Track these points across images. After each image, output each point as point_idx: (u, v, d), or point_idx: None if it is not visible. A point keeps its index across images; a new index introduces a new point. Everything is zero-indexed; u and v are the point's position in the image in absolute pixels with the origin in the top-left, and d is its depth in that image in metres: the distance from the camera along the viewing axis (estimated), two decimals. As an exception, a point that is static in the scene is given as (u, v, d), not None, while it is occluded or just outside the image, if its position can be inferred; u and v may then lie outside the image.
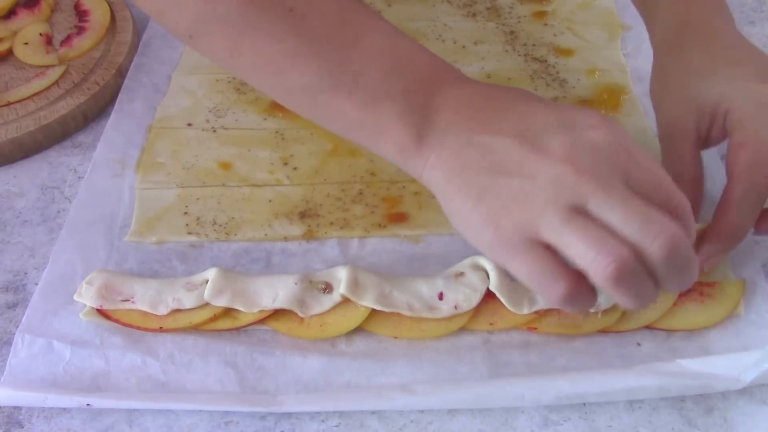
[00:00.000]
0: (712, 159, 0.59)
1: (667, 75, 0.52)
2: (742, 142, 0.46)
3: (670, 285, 0.39)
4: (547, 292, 0.39)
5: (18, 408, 0.45)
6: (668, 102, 0.51)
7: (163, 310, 0.47)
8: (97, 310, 0.48)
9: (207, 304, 0.48)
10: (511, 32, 0.71)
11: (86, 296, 0.48)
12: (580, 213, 0.38)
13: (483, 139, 0.41)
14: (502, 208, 0.39)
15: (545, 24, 0.72)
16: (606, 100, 0.64)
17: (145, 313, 0.48)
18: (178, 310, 0.48)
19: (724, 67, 0.49)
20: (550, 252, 0.38)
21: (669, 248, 0.37)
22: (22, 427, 0.44)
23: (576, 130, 0.40)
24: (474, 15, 0.73)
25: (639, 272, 0.37)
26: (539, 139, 0.40)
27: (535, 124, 0.40)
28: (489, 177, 0.40)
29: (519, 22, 0.72)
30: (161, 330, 0.47)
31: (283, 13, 0.42)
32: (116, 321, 0.47)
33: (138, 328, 0.47)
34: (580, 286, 0.38)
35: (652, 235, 0.37)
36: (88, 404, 0.44)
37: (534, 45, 0.70)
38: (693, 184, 0.49)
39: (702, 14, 0.53)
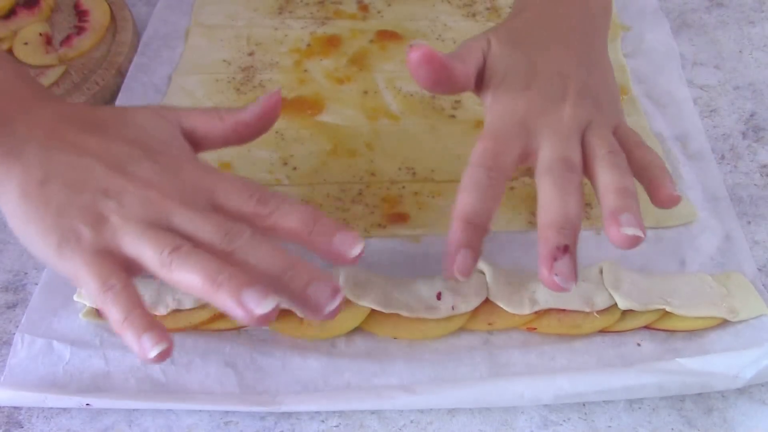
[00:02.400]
0: (709, 164, 0.59)
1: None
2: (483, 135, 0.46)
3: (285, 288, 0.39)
4: (95, 288, 0.38)
5: (18, 408, 0.45)
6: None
7: (162, 310, 0.47)
8: (97, 310, 0.48)
9: (207, 304, 0.48)
10: (511, 32, 0.71)
11: (86, 296, 0.48)
12: (160, 227, 0.39)
13: (67, 157, 0.41)
14: (83, 223, 0.39)
15: (545, 24, 0.72)
16: (606, 101, 0.64)
17: None
18: (177, 310, 0.48)
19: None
20: (120, 260, 0.39)
21: (245, 245, 0.39)
22: (22, 427, 0.45)
23: (159, 160, 0.42)
24: (474, 15, 0.73)
25: (201, 257, 0.38)
26: (124, 165, 0.41)
27: (121, 151, 0.42)
28: (73, 193, 0.40)
29: (519, 22, 0.72)
30: (161, 330, 0.47)
31: None
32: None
33: (138, 328, 0.47)
34: (129, 290, 0.38)
35: (228, 238, 0.39)
36: (87, 404, 0.44)
37: (534, 45, 0.70)
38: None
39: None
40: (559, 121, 0.46)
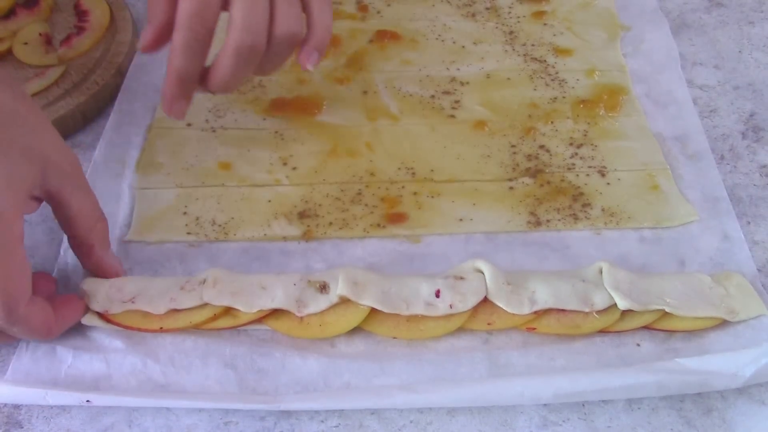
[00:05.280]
0: (709, 164, 0.59)
1: None
2: None
3: None
4: None
5: (18, 408, 0.45)
6: None
7: (162, 310, 0.47)
8: (99, 314, 0.48)
9: (207, 303, 0.48)
10: (511, 32, 0.71)
11: (92, 302, 0.48)
12: None
13: None
14: None
15: (545, 24, 0.72)
16: (605, 101, 0.64)
17: (145, 314, 0.48)
18: (177, 310, 0.48)
19: None
20: None
21: None
22: (22, 428, 0.45)
23: None
24: (473, 15, 0.73)
25: None
26: None
27: None
28: None
29: (518, 22, 0.72)
30: (162, 330, 0.47)
31: None
32: (117, 324, 0.47)
33: (139, 329, 0.47)
34: None
35: None
36: (87, 400, 0.44)
37: (533, 45, 0.70)
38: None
39: None
40: None
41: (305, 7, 0.52)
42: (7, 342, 0.47)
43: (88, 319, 0.48)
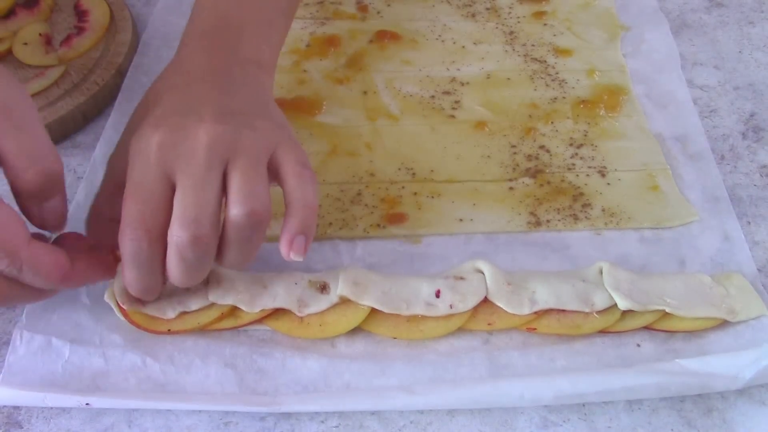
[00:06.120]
0: (709, 164, 0.59)
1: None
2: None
3: None
4: None
5: (17, 408, 0.45)
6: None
7: (171, 314, 0.47)
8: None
9: (213, 304, 0.47)
10: (511, 32, 0.71)
11: (115, 283, 0.47)
12: None
13: None
14: None
15: (545, 24, 0.72)
16: (605, 101, 0.64)
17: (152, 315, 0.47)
18: (185, 312, 0.47)
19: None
20: None
21: None
22: (22, 428, 0.45)
23: None
24: (473, 15, 0.73)
25: None
26: None
27: None
28: None
29: (518, 22, 0.72)
30: (169, 332, 0.47)
31: None
32: (127, 317, 0.47)
33: (147, 330, 0.47)
34: None
35: None
36: (87, 404, 0.44)
37: (533, 45, 0.70)
38: None
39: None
40: (193, 153, 0.42)
41: (279, 181, 0.44)
42: (31, 299, 0.45)
43: (108, 296, 0.47)
